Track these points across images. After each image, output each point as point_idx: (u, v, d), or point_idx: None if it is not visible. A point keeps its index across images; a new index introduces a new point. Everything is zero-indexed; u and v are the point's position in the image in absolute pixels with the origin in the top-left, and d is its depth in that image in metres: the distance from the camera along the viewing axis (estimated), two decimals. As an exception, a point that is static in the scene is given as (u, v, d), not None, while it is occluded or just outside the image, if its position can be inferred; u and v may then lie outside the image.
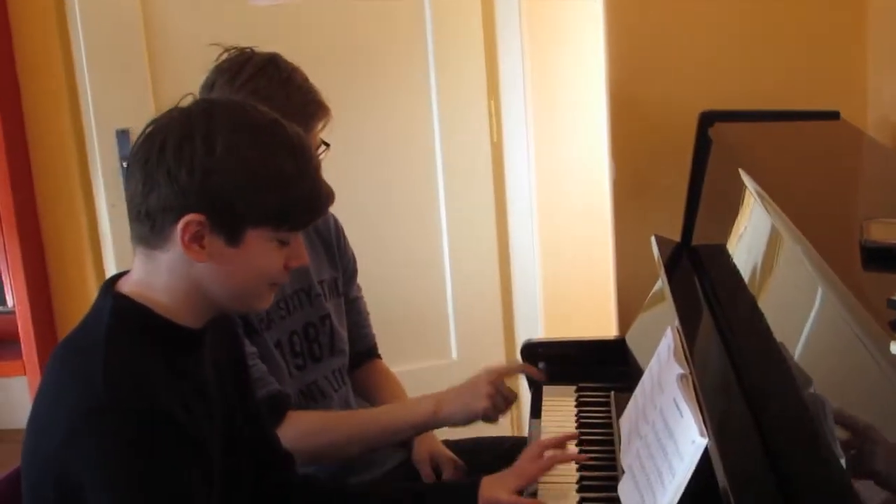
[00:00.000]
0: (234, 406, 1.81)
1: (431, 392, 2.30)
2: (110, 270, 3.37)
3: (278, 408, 2.20)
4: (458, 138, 3.73)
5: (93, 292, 3.47)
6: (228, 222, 1.59)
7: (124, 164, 3.27)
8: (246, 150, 1.58)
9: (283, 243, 1.66)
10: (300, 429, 2.17)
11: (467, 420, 2.25)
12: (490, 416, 2.25)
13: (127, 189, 1.64)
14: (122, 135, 3.34)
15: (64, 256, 3.62)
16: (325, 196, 1.70)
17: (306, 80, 2.28)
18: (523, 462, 2.04)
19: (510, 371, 2.37)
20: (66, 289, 3.63)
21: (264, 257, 1.64)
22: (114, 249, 3.42)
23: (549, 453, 2.05)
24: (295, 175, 1.62)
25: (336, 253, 2.49)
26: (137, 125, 3.07)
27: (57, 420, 1.55)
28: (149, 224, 1.60)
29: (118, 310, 1.63)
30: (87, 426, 1.52)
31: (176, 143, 1.57)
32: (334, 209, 2.49)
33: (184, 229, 1.58)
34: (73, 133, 3.49)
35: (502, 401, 2.26)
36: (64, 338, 1.68)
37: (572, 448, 2.11)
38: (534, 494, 1.98)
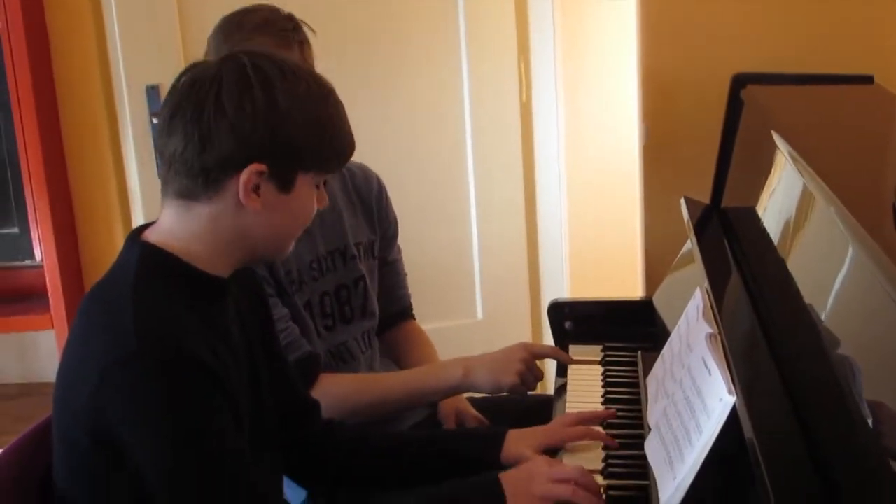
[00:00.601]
0: (259, 359, 1.82)
1: (457, 352, 2.31)
2: (138, 224, 3.38)
3: (310, 371, 2.22)
4: (488, 97, 3.72)
5: (120, 247, 3.50)
6: (287, 169, 1.64)
7: (154, 120, 3.28)
8: (304, 99, 1.63)
9: (317, 187, 1.71)
10: (332, 392, 2.19)
11: (494, 392, 2.28)
12: (517, 392, 2.28)
13: (169, 144, 1.63)
14: (152, 90, 3.35)
15: (92, 211, 3.64)
16: (353, 139, 1.75)
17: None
18: (556, 425, 2.05)
19: (544, 354, 2.38)
20: (95, 243, 3.65)
21: (307, 201, 1.70)
22: (142, 204, 3.44)
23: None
24: (339, 120, 1.69)
25: (375, 215, 2.49)
26: (167, 81, 3.10)
27: (88, 370, 1.56)
28: (202, 177, 1.61)
29: (145, 258, 1.64)
30: (119, 374, 1.53)
31: (235, 97, 1.59)
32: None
33: (247, 180, 1.60)
34: (103, 89, 3.50)
35: (531, 379, 2.28)
36: (91, 288, 1.69)
37: (603, 433, 2.06)
38: (553, 453, 1.99)
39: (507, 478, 1.79)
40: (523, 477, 1.79)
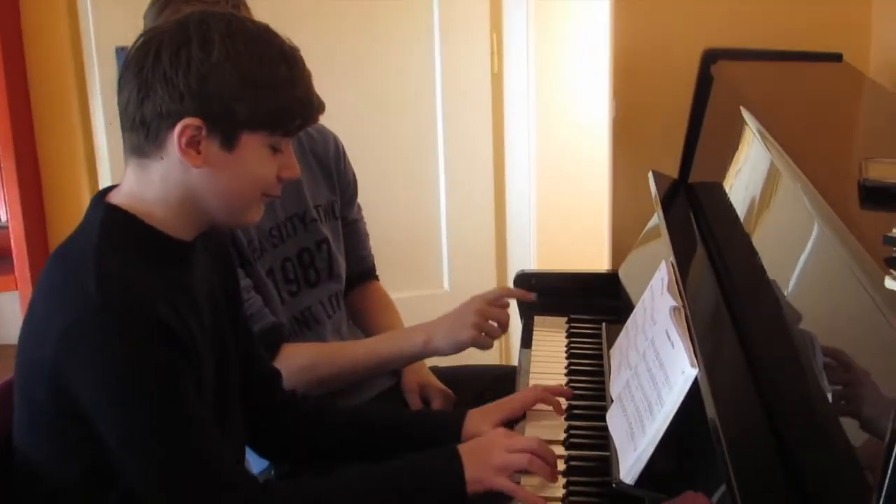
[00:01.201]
0: (225, 325, 1.82)
1: (422, 322, 2.31)
2: (105, 185, 3.36)
3: (273, 341, 2.21)
4: (460, 69, 3.71)
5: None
6: (224, 126, 1.61)
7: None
8: (242, 54, 1.60)
9: (275, 150, 1.68)
10: (294, 363, 2.18)
11: (456, 350, 2.26)
12: (479, 344, 2.25)
13: (120, 99, 1.64)
14: (122, 52, 3.31)
15: (59, 173, 3.61)
16: (316, 103, 1.72)
17: None
18: (509, 397, 2.08)
19: (498, 296, 2.33)
20: (61, 205, 3.62)
21: (258, 163, 1.66)
22: (110, 166, 3.41)
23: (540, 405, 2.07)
24: (289, 80, 1.65)
25: (335, 175, 2.47)
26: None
27: (50, 328, 1.56)
28: (143, 132, 1.61)
29: (109, 220, 1.64)
30: (81, 332, 1.53)
31: (173, 50, 1.58)
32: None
33: (181, 133, 1.59)
34: (72, 50, 3.46)
35: (492, 327, 2.26)
36: (55, 249, 1.69)
37: (562, 403, 2.08)
38: (514, 424, 2.01)
39: (465, 449, 1.80)
40: (481, 448, 1.80)
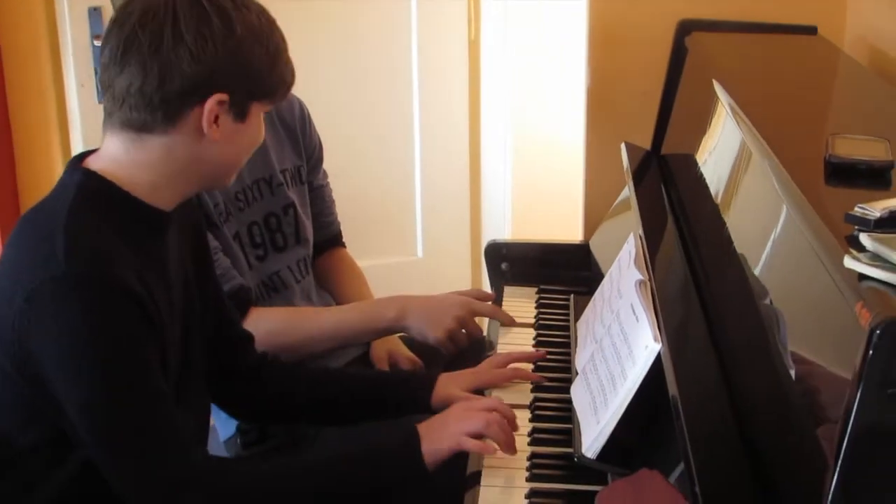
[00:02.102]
0: (193, 297, 1.81)
1: (396, 290, 2.29)
2: (77, 150, 3.33)
3: (241, 303, 2.19)
4: (436, 34, 3.69)
5: (59, 172, 3.43)
6: (243, 99, 1.64)
7: (96, 42, 3.23)
8: (257, 28, 1.63)
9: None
10: (262, 327, 2.15)
11: (420, 339, 2.25)
12: (444, 347, 2.24)
13: (118, 78, 1.60)
14: (95, 12, 3.28)
15: (30, 134, 3.57)
16: (294, 70, 1.76)
17: None
18: (485, 366, 2.07)
19: (484, 314, 2.33)
20: (32, 167, 3.59)
21: (257, 130, 1.71)
22: (81, 128, 3.38)
23: (513, 366, 2.07)
24: (286, 48, 1.70)
25: (300, 140, 2.45)
26: (110, 3, 3.03)
27: (15, 293, 1.54)
28: (161, 111, 1.60)
29: (85, 185, 1.62)
30: (45, 295, 1.52)
31: (194, 26, 1.57)
32: (306, 101, 2.49)
33: (210, 110, 1.60)
34: (45, 10, 3.42)
35: (462, 338, 2.24)
36: (26, 212, 1.67)
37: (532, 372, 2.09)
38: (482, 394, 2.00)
39: (424, 425, 1.78)
40: (439, 421, 1.79)
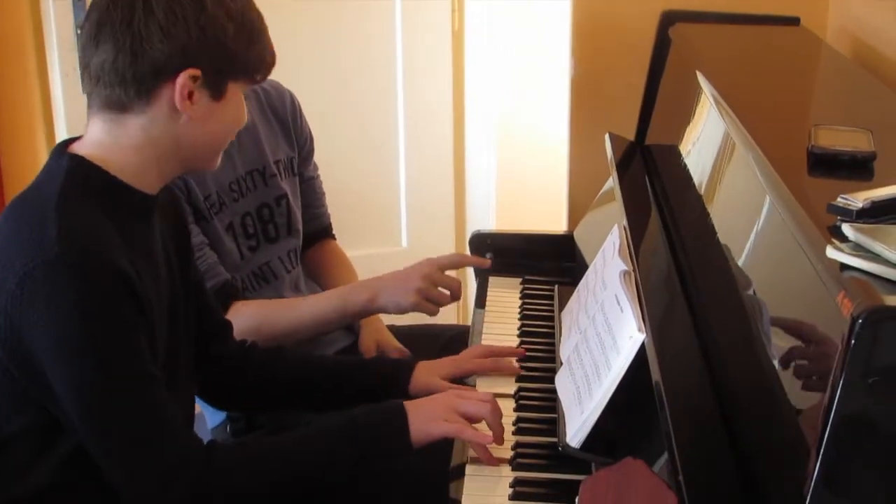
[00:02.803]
0: (177, 282, 1.81)
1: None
2: (61, 139, 3.32)
3: (225, 298, 2.20)
4: (420, 25, 3.68)
5: (43, 161, 3.42)
6: (218, 76, 1.65)
7: (79, 31, 3.22)
8: (230, 4, 1.64)
9: (245, 97, 1.73)
10: (241, 323, 2.15)
11: (399, 312, 2.25)
12: (423, 310, 2.24)
13: (94, 56, 1.62)
14: (79, 2, 3.27)
15: (15, 123, 3.57)
16: (274, 51, 1.77)
17: None
18: (465, 356, 2.09)
19: (450, 264, 2.32)
20: (16, 156, 3.58)
21: (238, 109, 1.72)
22: (65, 116, 3.37)
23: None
24: (263, 26, 1.71)
25: (293, 131, 2.46)
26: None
27: (8, 276, 1.54)
28: (134, 87, 1.61)
29: (73, 170, 1.63)
30: (38, 279, 1.52)
31: (164, 3, 1.59)
32: (291, 89, 2.49)
33: (182, 85, 1.61)
34: (29, -2, 3.42)
35: (439, 294, 2.24)
36: (14, 198, 1.67)
37: (515, 365, 2.10)
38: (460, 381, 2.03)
39: (412, 403, 1.80)
40: (429, 402, 1.81)
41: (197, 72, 1.61)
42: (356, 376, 2.04)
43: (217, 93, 1.66)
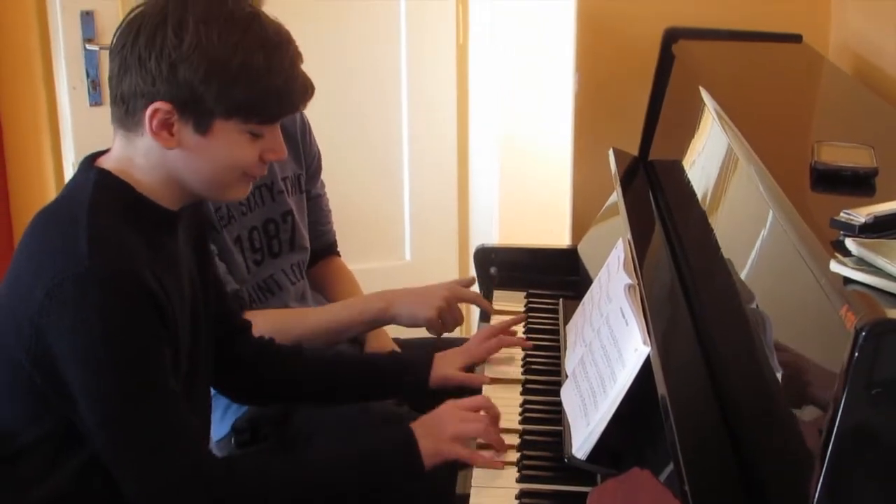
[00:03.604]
0: (199, 296, 1.83)
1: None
2: (68, 153, 3.33)
3: None
4: (425, 39, 3.70)
5: (49, 174, 3.45)
6: (195, 112, 1.63)
7: (88, 46, 3.25)
8: (213, 42, 1.60)
9: (255, 136, 1.68)
10: (255, 331, 2.18)
11: (411, 324, 2.30)
12: (433, 329, 2.30)
13: (109, 72, 1.68)
14: (87, 16, 3.29)
15: (22, 137, 3.58)
16: (299, 91, 1.71)
17: None
18: (472, 343, 2.17)
19: (467, 299, 2.39)
20: (23, 170, 3.60)
21: (235, 148, 1.67)
22: (72, 131, 3.39)
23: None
24: (264, 70, 1.63)
25: (301, 149, 2.48)
26: (102, 7, 3.05)
27: (34, 288, 1.57)
28: (123, 108, 1.65)
29: (101, 184, 1.66)
30: (66, 292, 1.54)
31: (150, 31, 1.61)
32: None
33: (151, 116, 1.62)
34: (37, 13, 3.43)
35: (450, 319, 2.30)
36: (41, 210, 1.70)
37: (520, 335, 2.24)
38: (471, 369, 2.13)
39: (418, 425, 1.83)
40: (434, 422, 1.84)
41: (167, 105, 1.61)
42: (377, 370, 2.12)
43: (201, 129, 1.64)
